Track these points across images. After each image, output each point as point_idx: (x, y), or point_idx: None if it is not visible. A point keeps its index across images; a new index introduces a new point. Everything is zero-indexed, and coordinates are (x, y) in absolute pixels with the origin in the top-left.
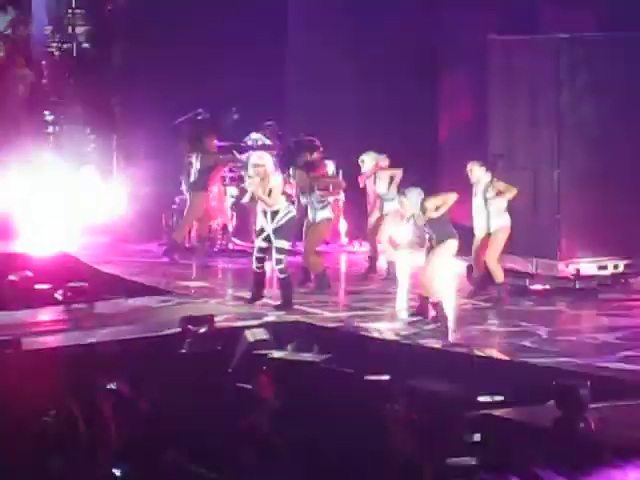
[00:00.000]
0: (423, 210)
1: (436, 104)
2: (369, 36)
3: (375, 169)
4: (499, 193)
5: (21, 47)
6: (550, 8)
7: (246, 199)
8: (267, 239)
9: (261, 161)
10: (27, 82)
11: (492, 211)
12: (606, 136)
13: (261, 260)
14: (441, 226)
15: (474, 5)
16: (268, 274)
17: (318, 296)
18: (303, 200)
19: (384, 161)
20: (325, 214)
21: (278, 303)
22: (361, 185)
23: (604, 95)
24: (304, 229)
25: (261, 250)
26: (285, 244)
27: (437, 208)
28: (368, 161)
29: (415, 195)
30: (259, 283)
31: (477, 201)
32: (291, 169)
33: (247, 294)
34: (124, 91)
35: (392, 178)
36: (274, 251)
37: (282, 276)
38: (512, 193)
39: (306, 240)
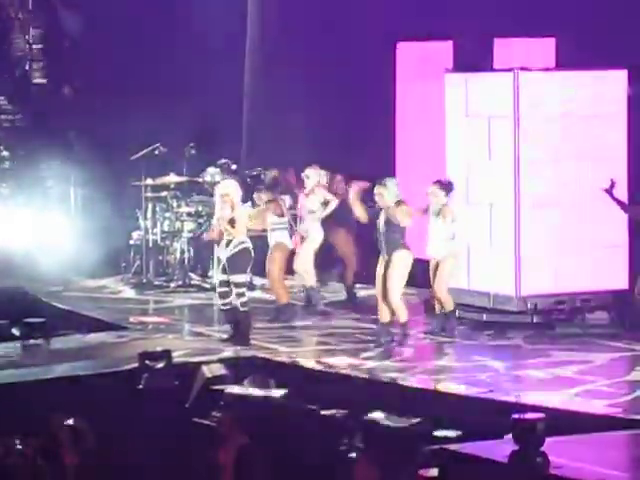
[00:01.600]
0: (397, 207)
1: (394, 132)
2: (327, 65)
3: (316, 186)
4: (443, 218)
5: None
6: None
7: (207, 237)
8: (225, 270)
9: (226, 190)
10: None
11: (443, 236)
12: (564, 169)
13: (225, 295)
14: (397, 234)
15: (432, 37)
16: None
17: (275, 330)
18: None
19: (324, 178)
20: (277, 237)
21: (235, 337)
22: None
23: (561, 128)
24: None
25: (222, 284)
26: (242, 277)
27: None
28: (313, 176)
29: (394, 186)
30: (232, 321)
31: (434, 225)
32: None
33: (204, 329)
34: (81, 125)
35: (326, 203)
36: (233, 286)
37: (243, 309)
38: (450, 216)
39: (268, 270)
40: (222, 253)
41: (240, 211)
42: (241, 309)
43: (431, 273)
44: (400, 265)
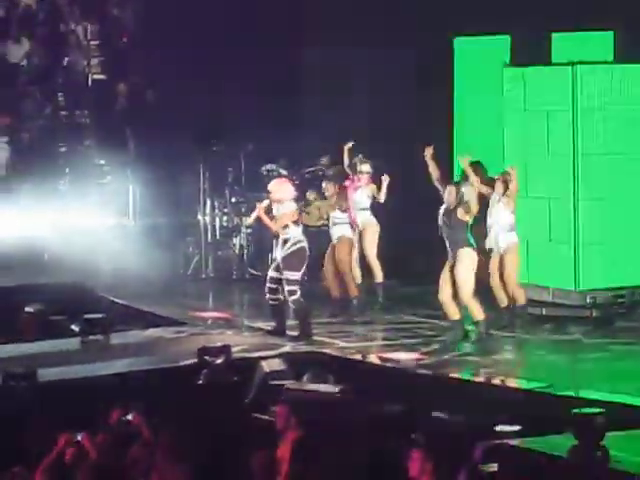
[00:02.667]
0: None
1: (452, 127)
2: (381, 63)
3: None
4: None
5: (36, 79)
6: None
7: (249, 221)
8: (278, 269)
9: (271, 187)
10: (45, 115)
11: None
12: (623, 163)
13: (274, 291)
14: (461, 232)
15: (489, 32)
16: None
17: (335, 325)
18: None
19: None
20: (342, 231)
21: (296, 334)
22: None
23: (620, 122)
24: (327, 253)
25: (272, 280)
26: (294, 275)
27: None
28: (367, 169)
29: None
30: (278, 315)
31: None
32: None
33: (263, 324)
34: (137, 121)
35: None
36: (284, 282)
37: (294, 307)
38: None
39: (333, 264)
40: (279, 253)
41: (283, 208)
42: (292, 306)
43: (492, 265)
44: (466, 262)
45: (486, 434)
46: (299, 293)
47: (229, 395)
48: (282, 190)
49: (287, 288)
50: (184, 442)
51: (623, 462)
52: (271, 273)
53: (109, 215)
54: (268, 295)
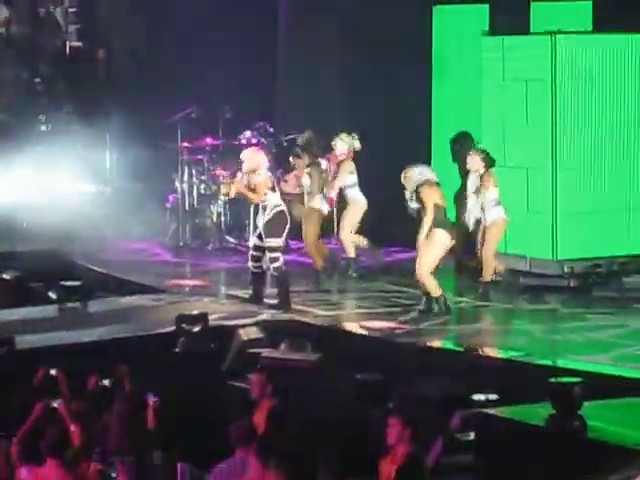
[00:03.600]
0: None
1: (429, 102)
2: (359, 32)
3: (349, 154)
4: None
5: (15, 46)
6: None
7: (231, 194)
8: (261, 236)
9: (243, 157)
10: (21, 81)
11: (486, 203)
12: (601, 133)
13: (257, 259)
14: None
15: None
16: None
17: (312, 294)
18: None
19: (356, 144)
20: (313, 203)
21: (275, 302)
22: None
23: (598, 92)
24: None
25: (256, 248)
26: (276, 241)
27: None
28: (340, 145)
29: (416, 174)
30: (257, 283)
31: (472, 194)
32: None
33: (241, 292)
34: (116, 89)
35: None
36: (267, 250)
37: (276, 274)
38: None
39: (304, 235)
40: (260, 221)
41: (259, 177)
42: (274, 274)
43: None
44: (438, 243)
45: (463, 403)
46: (281, 260)
47: (206, 363)
48: (255, 159)
49: (269, 255)
50: (138, 410)
51: (600, 431)
52: (254, 240)
53: (87, 181)
54: (250, 262)
